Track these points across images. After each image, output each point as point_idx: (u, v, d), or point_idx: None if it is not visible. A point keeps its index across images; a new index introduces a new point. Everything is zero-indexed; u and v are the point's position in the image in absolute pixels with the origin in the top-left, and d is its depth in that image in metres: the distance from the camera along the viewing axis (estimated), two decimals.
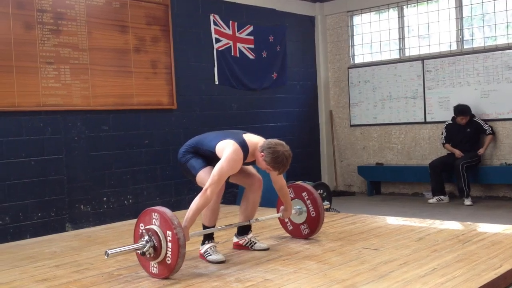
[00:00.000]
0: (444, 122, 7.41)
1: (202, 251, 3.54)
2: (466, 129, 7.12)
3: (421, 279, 2.87)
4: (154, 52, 6.29)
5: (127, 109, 6.04)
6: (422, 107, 7.84)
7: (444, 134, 7.32)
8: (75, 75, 5.59)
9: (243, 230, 3.80)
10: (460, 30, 7.52)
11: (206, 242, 3.54)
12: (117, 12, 5.96)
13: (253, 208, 3.78)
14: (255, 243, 3.78)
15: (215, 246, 3.53)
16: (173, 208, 6.07)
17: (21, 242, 4.70)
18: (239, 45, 7.29)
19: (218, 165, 3.34)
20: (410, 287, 2.74)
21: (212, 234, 3.58)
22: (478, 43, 7.43)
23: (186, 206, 6.26)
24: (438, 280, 2.82)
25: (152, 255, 3.16)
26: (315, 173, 8.42)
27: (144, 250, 3.14)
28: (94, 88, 5.73)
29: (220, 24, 7.07)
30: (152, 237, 3.15)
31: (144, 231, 3.20)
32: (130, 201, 5.98)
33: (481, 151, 7.03)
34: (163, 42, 6.39)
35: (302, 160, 8.00)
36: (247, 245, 3.78)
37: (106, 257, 3.09)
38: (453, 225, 4.50)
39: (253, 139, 3.55)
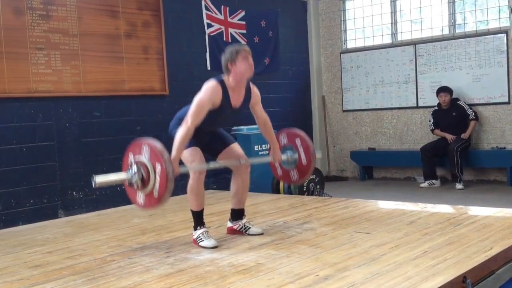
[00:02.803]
0: (435, 107, 7.43)
1: (194, 237, 3.55)
2: (452, 113, 7.15)
3: (412, 261, 2.90)
4: (146, 37, 6.25)
5: (119, 95, 6.01)
6: (414, 91, 7.85)
7: (432, 120, 7.35)
8: (66, 61, 5.54)
9: (237, 215, 3.80)
10: (452, 15, 7.52)
11: (198, 227, 3.54)
12: None
13: (244, 189, 3.78)
14: (249, 228, 3.79)
15: (207, 232, 3.53)
16: None
17: (14, 229, 4.69)
18: (231, 30, 7.25)
19: (196, 97, 3.37)
20: (402, 269, 2.76)
21: (203, 219, 3.56)
22: (470, 28, 7.43)
23: (179, 192, 6.29)
24: (429, 263, 2.85)
25: (139, 186, 3.16)
26: None
27: (132, 180, 3.14)
28: (85, 74, 5.69)
29: (212, 9, 7.03)
30: (141, 169, 3.14)
31: (133, 161, 3.19)
32: (123, 187, 5.95)
33: (463, 135, 7.04)
34: (155, 28, 6.34)
35: None
36: (241, 230, 3.79)
37: (93, 185, 3.10)
38: (445, 209, 4.53)
39: None
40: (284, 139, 4.06)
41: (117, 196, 5.87)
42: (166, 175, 3.08)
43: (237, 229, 3.79)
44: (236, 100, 3.55)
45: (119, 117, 6.01)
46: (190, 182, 3.49)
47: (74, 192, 5.57)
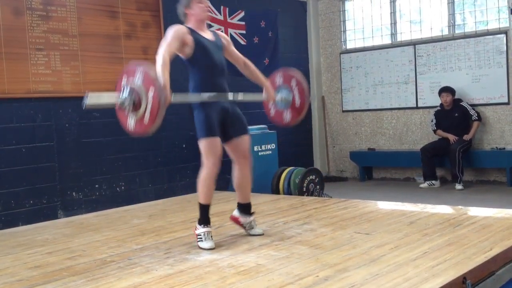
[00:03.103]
0: (435, 107, 7.43)
1: (197, 232, 3.52)
2: (454, 114, 7.15)
3: (412, 262, 2.90)
4: (145, 38, 6.24)
5: None
6: (414, 92, 7.85)
7: (434, 121, 7.35)
8: (65, 62, 5.54)
9: (244, 208, 3.77)
10: (451, 15, 7.52)
11: (203, 225, 3.50)
12: None
13: (247, 184, 3.79)
14: (253, 227, 3.77)
15: (210, 233, 3.50)
16: (167, 195, 6.09)
17: (13, 229, 4.69)
18: (230, 30, 7.25)
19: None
20: (402, 270, 2.76)
21: (209, 216, 3.53)
22: (470, 28, 7.43)
23: (179, 192, 6.31)
24: (429, 264, 2.85)
25: (130, 110, 3.16)
26: (307, 158, 8.43)
27: (124, 103, 3.14)
28: (84, 75, 5.69)
29: (212, 10, 7.02)
30: (133, 92, 3.14)
31: (126, 84, 3.19)
32: (122, 188, 5.97)
33: (466, 136, 7.05)
34: (154, 28, 6.34)
35: (294, 145, 8.01)
36: (245, 226, 3.76)
37: (83, 106, 3.12)
38: (444, 209, 4.53)
39: None
40: (279, 79, 4.07)
41: (117, 196, 5.88)
42: (158, 101, 3.07)
43: (242, 223, 3.76)
44: (206, 35, 3.61)
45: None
46: (204, 174, 3.48)
47: (74, 193, 5.56)
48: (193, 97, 3.58)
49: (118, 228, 4.29)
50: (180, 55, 3.56)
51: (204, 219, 3.52)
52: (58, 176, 5.45)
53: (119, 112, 3.27)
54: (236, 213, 3.83)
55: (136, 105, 3.14)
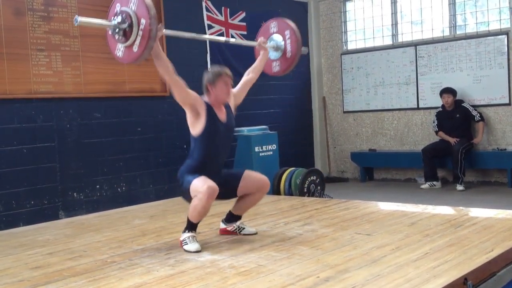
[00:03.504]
0: (436, 108, 7.43)
1: (181, 239, 3.48)
2: (455, 114, 7.15)
3: (413, 263, 2.90)
4: None
5: (120, 96, 6.01)
6: (415, 93, 7.85)
7: (436, 122, 7.35)
8: (66, 62, 5.54)
9: (233, 218, 3.79)
10: (452, 16, 7.51)
11: (187, 231, 3.47)
12: None
13: (253, 204, 3.78)
14: (243, 228, 3.79)
15: (195, 237, 3.46)
16: (167, 196, 6.09)
17: (14, 230, 4.69)
18: (231, 31, 7.26)
19: None
20: (403, 271, 2.76)
21: (195, 225, 3.49)
22: (471, 29, 7.42)
23: (180, 193, 6.27)
24: (430, 264, 2.85)
25: (120, 38, 3.13)
26: (308, 159, 8.43)
27: (115, 30, 3.11)
28: (86, 75, 5.69)
29: (213, 10, 7.03)
30: (126, 20, 3.10)
31: (119, 11, 3.15)
32: (123, 188, 5.97)
33: (476, 140, 7.05)
34: None
35: (295, 146, 8.02)
36: (235, 230, 3.78)
37: (75, 23, 3.09)
38: (445, 210, 4.53)
39: None
40: (274, 28, 4.07)
41: (117, 197, 5.88)
42: (149, 32, 3.04)
43: (231, 230, 3.79)
44: (221, 114, 3.57)
45: (120, 118, 6.02)
46: (196, 201, 3.34)
47: (75, 193, 5.57)
48: (184, 34, 3.62)
49: (119, 228, 4.29)
50: (190, 128, 3.52)
51: (190, 227, 3.47)
52: (59, 176, 5.45)
53: (109, 37, 3.25)
54: (222, 225, 3.82)
55: (127, 33, 3.11)
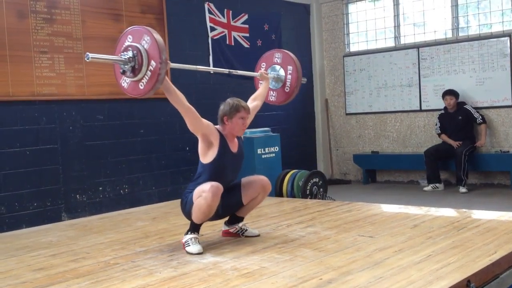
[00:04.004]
0: (439, 110, 7.42)
1: (183, 240, 3.47)
2: (458, 117, 7.15)
3: (416, 265, 2.89)
4: None
5: (122, 98, 6.01)
6: (418, 95, 7.85)
7: (439, 124, 7.34)
8: (69, 65, 5.56)
9: (236, 220, 3.79)
10: (455, 18, 7.51)
11: (190, 232, 3.46)
12: (111, 1, 5.92)
13: (256, 205, 3.76)
14: (246, 230, 3.78)
15: (197, 238, 3.45)
16: (170, 198, 6.09)
17: (17, 231, 4.69)
18: (234, 33, 7.27)
19: None
20: (405, 273, 2.76)
21: (199, 226, 3.48)
22: (473, 31, 7.42)
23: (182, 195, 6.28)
24: (433, 267, 2.84)
25: (128, 73, 3.15)
26: (311, 161, 8.43)
27: (124, 65, 3.13)
28: (88, 78, 5.70)
29: (215, 13, 7.04)
30: (136, 58, 3.11)
31: (131, 47, 3.16)
32: (126, 190, 5.98)
33: (479, 143, 7.04)
34: (158, 31, 6.21)
35: (297, 148, 8.01)
36: (237, 232, 3.77)
37: (86, 59, 3.12)
38: (448, 212, 4.52)
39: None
40: (278, 59, 4.16)
41: (120, 199, 5.89)
42: (157, 75, 3.07)
43: (234, 232, 3.78)
44: (233, 145, 3.56)
45: (123, 120, 6.03)
46: (201, 201, 3.31)
47: (78, 195, 5.58)
48: (190, 67, 3.72)
49: (121, 230, 4.29)
50: (200, 155, 3.49)
51: (194, 229, 3.45)
52: (62, 178, 5.46)
53: (116, 68, 3.27)
54: (224, 227, 3.81)
55: (135, 70, 3.14)
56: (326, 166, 8.63)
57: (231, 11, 7.23)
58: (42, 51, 5.36)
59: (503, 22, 7.18)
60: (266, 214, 4.66)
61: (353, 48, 8.53)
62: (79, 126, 5.64)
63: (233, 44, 7.23)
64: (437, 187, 7.14)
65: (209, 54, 6.95)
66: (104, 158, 5.83)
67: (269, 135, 6.72)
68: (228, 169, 3.54)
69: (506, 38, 7.06)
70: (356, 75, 8.40)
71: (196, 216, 3.41)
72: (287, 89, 4.10)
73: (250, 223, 4.02)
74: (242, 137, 3.73)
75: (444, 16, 7.61)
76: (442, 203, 5.94)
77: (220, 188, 3.33)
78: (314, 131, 8.62)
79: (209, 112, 6.84)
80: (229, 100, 3.56)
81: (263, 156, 6.48)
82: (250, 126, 6.89)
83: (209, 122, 3.48)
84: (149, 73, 3.11)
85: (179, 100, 3.34)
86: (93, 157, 5.73)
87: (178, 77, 6.51)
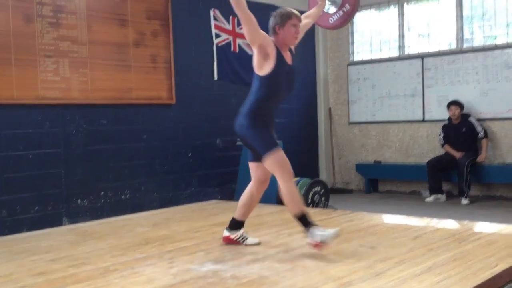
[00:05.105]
0: (442, 120, 7.41)
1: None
2: (462, 128, 7.13)
3: (417, 277, 2.88)
4: (154, 46, 6.28)
5: (126, 104, 6.03)
6: (421, 105, 7.84)
7: (442, 135, 7.33)
8: (74, 69, 5.57)
9: (237, 225, 3.78)
10: (460, 29, 7.51)
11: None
12: (117, 6, 5.95)
13: (255, 204, 3.76)
14: (247, 238, 3.77)
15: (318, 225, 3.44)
16: (171, 204, 6.10)
17: (18, 235, 4.69)
18: (238, 40, 7.28)
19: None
20: (406, 285, 2.74)
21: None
22: (478, 42, 7.42)
23: (184, 201, 6.31)
24: (434, 279, 2.83)
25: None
26: (313, 170, 8.42)
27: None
28: (93, 82, 5.72)
29: (220, 19, 7.06)
30: None
31: None
32: (128, 195, 5.97)
33: (480, 158, 7.01)
34: (163, 37, 6.37)
35: (300, 156, 7.99)
36: (238, 239, 3.76)
37: None
38: (450, 224, 4.50)
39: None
40: None
41: (121, 204, 5.89)
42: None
43: (235, 239, 3.76)
44: (287, 56, 3.52)
45: (126, 125, 6.04)
46: (287, 187, 3.35)
47: (79, 200, 5.58)
48: None
49: (122, 236, 4.28)
50: (255, 68, 3.44)
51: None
52: (64, 183, 5.46)
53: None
54: (226, 232, 3.78)
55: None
56: (328, 174, 8.62)
57: (236, 18, 7.25)
58: (47, 55, 5.38)
59: (507, 34, 7.18)
60: (267, 222, 4.65)
61: (357, 57, 8.54)
62: (82, 130, 5.65)
63: (237, 51, 7.24)
64: (439, 198, 7.12)
65: (213, 61, 6.97)
66: (107, 163, 5.83)
67: None
68: (284, 82, 3.49)
69: (511, 49, 7.05)
70: (360, 84, 8.40)
71: (293, 206, 3.39)
72: (346, 9, 4.05)
73: (250, 231, 4.00)
74: (293, 50, 3.65)
75: (448, 27, 7.61)
76: (444, 214, 5.91)
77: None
78: (317, 140, 8.61)
79: (213, 119, 6.92)
80: (280, 9, 3.53)
81: None
82: None
83: (265, 33, 3.42)
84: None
85: (243, 5, 3.31)
86: (95, 162, 5.73)
87: (182, 83, 6.53)
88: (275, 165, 3.39)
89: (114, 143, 5.91)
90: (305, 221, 3.40)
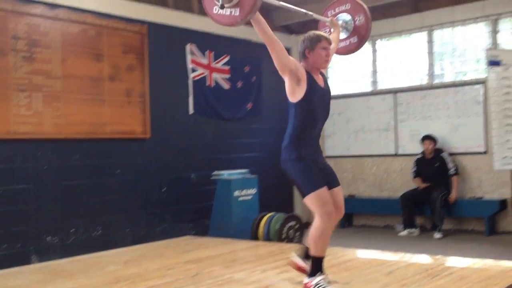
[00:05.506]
0: (415, 155, 7.52)
1: (313, 283, 3.30)
2: (435, 163, 7.24)
3: None
4: (129, 80, 6.28)
5: (100, 138, 5.98)
6: (394, 139, 7.95)
7: (415, 168, 7.43)
8: (47, 103, 5.53)
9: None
10: (431, 65, 7.70)
11: (319, 273, 3.32)
12: (93, 40, 5.96)
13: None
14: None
15: (327, 278, 3.33)
16: (144, 240, 6.00)
17: None
18: (215, 75, 7.34)
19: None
20: None
21: (322, 264, 3.35)
22: (448, 78, 7.61)
23: (157, 238, 6.22)
24: None
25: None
26: (288, 204, 8.41)
27: None
28: (66, 116, 5.67)
29: (197, 54, 7.11)
30: None
31: None
32: (99, 232, 5.87)
33: (451, 197, 7.08)
34: (139, 71, 6.39)
35: (275, 190, 7.98)
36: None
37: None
38: (423, 259, 4.53)
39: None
40: (346, 5, 4.06)
41: (93, 241, 5.77)
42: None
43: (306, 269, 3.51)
44: (319, 80, 3.46)
45: (99, 160, 5.97)
46: (321, 226, 3.29)
47: (49, 237, 5.45)
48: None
49: (92, 275, 4.20)
50: (289, 95, 3.41)
51: (319, 269, 3.33)
52: (33, 219, 5.34)
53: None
54: (298, 260, 3.60)
55: None
56: (303, 209, 8.60)
57: (213, 52, 7.32)
58: (21, 89, 5.33)
59: (477, 70, 7.38)
60: (241, 258, 4.61)
61: (332, 91, 8.64)
62: (54, 165, 5.57)
63: (213, 85, 7.29)
64: (413, 232, 7.16)
65: (189, 95, 6.99)
66: (78, 199, 5.74)
67: (247, 177, 6.71)
68: (319, 106, 3.42)
69: (480, 85, 7.24)
70: (335, 118, 8.50)
71: (316, 247, 3.30)
72: (351, 41, 4.02)
73: (224, 267, 3.97)
74: (325, 73, 3.59)
75: (420, 63, 7.80)
76: (417, 248, 5.94)
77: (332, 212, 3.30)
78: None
79: (189, 153, 6.91)
80: (309, 33, 3.47)
81: (239, 199, 6.44)
82: (228, 167, 6.94)
83: (294, 59, 3.37)
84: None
85: (269, 32, 3.23)
86: (67, 198, 5.64)
87: (157, 117, 6.52)
88: (314, 204, 3.32)
89: (86, 178, 5.83)
90: (317, 266, 3.33)
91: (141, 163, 6.38)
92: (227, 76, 7.49)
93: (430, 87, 7.66)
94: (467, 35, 7.42)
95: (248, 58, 7.84)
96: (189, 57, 7.01)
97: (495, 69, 5.69)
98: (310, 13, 3.82)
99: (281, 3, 3.54)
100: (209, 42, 7.24)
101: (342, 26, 4.05)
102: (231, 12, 3.13)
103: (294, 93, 3.37)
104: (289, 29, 8.43)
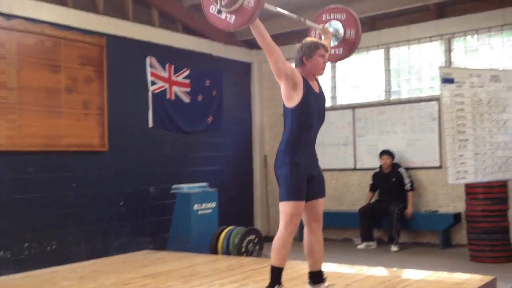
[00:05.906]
0: (373, 169, 7.65)
1: None
2: (392, 178, 7.38)
3: None
4: (87, 92, 6.19)
5: (55, 151, 5.86)
6: (352, 154, 8.07)
7: (371, 182, 7.56)
8: (1, 114, 5.40)
9: (316, 277, 3.61)
10: (388, 81, 7.89)
11: (276, 286, 3.35)
12: (50, 51, 5.86)
13: (320, 248, 3.66)
14: None
15: None
16: (100, 255, 5.88)
17: None
18: (175, 88, 7.31)
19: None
20: None
21: (281, 276, 3.38)
22: (405, 94, 7.80)
23: (114, 252, 6.10)
24: None
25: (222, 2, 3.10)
26: (248, 218, 8.41)
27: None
28: (21, 128, 5.54)
29: (156, 67, 7.08)
30: None
31: None
32: (54, 246, 5.72)
33: (407, 212, 7.21)
34: (97, 83, 6.31)
35: (235, 204, 7.98)
36: None
37: None
38: (379, 272, 4.59)
39: None
40: (342, 16, 4.04)
41: (47, 255, 5.62)
42: (254, 9, 3.04)
43: None
44: (314, 86, 3.48)
45: (54, 173, 5.84)
46: (284, 235, 3.35)
47: (2, 252, 5.28)
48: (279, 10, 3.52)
49: None
50: (285, 100, 3.43)
51: (278, 280, 3.36)
52: None
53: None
54: (308, 287, 3.61)
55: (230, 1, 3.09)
56: (263, 222, 8.63)
57: (173, 66, 7.30)
58: None
59: (432, 87, 7.59)
60: (199, 272, 4.57)
61: None
62: (7, 178, 5.41)
63: (173, 98, 7.25)
64: (371, 245, 7.26)
65: (149, 108, 6.93)
66: (32, 212, 5.59)
67: (206, 191, 6.68)
68: (315, 111, 3.43)
69: (435, 102, 7.44)
70: None
71: (277, 256, 3.36)
72: (349, 35, 3.97)
73: (181, 282, 3.92)
74: (319, 82, 3.60)
75: (377, 79, 7.97)
76: (374, 261, 6.02)
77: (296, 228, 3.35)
78: (252, 187, 8.65)
79: (147, 166, 6.82)
80: (306, 40, 3.48)
81: (199, 212, 6.40)
82: (187, 181, 6.89)
83: (291, 64, 3.40)
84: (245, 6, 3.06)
85: (268, 38, 3.25)
86: (20, 211, 5.48)
87: (115, 130, 6.43)
88: (285, 212, 3.37)
89: (41, 192, 5.68)
90: (275, 277, 3.38)
91: (98, 176, 6.27)
92: (188, 89, 7.48)
93: (387, 103, 7.84)
94: (422, 53, 7.64)
95: (209, 72, 7.85)
96: (149, 70, 6.98)
97: (448, 87, 5.86)
98: (303, 19, 3.83)
99: (278, 9, 3.55)
100: (169, 55, 7.22)
101: (333, 34, 4.07)
102: (226, 17, 3.16)
103: (290, 98, 3.41)
104: (250, 44, 8.49)
